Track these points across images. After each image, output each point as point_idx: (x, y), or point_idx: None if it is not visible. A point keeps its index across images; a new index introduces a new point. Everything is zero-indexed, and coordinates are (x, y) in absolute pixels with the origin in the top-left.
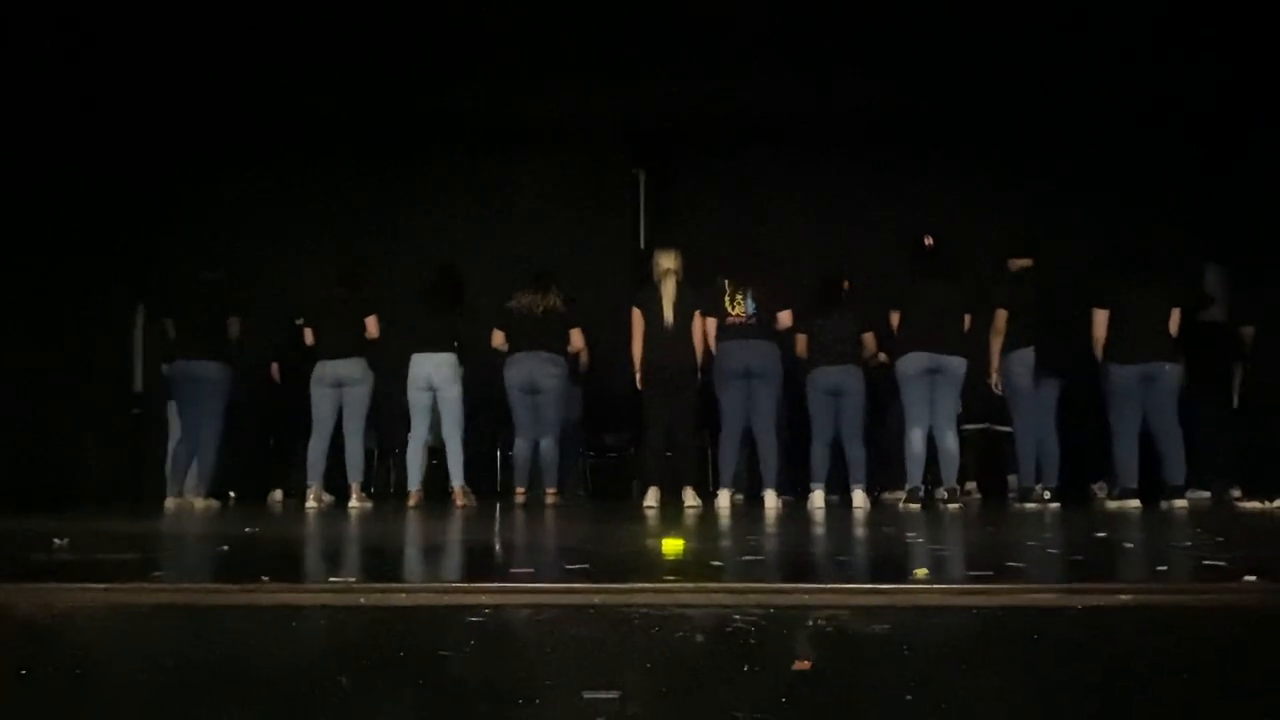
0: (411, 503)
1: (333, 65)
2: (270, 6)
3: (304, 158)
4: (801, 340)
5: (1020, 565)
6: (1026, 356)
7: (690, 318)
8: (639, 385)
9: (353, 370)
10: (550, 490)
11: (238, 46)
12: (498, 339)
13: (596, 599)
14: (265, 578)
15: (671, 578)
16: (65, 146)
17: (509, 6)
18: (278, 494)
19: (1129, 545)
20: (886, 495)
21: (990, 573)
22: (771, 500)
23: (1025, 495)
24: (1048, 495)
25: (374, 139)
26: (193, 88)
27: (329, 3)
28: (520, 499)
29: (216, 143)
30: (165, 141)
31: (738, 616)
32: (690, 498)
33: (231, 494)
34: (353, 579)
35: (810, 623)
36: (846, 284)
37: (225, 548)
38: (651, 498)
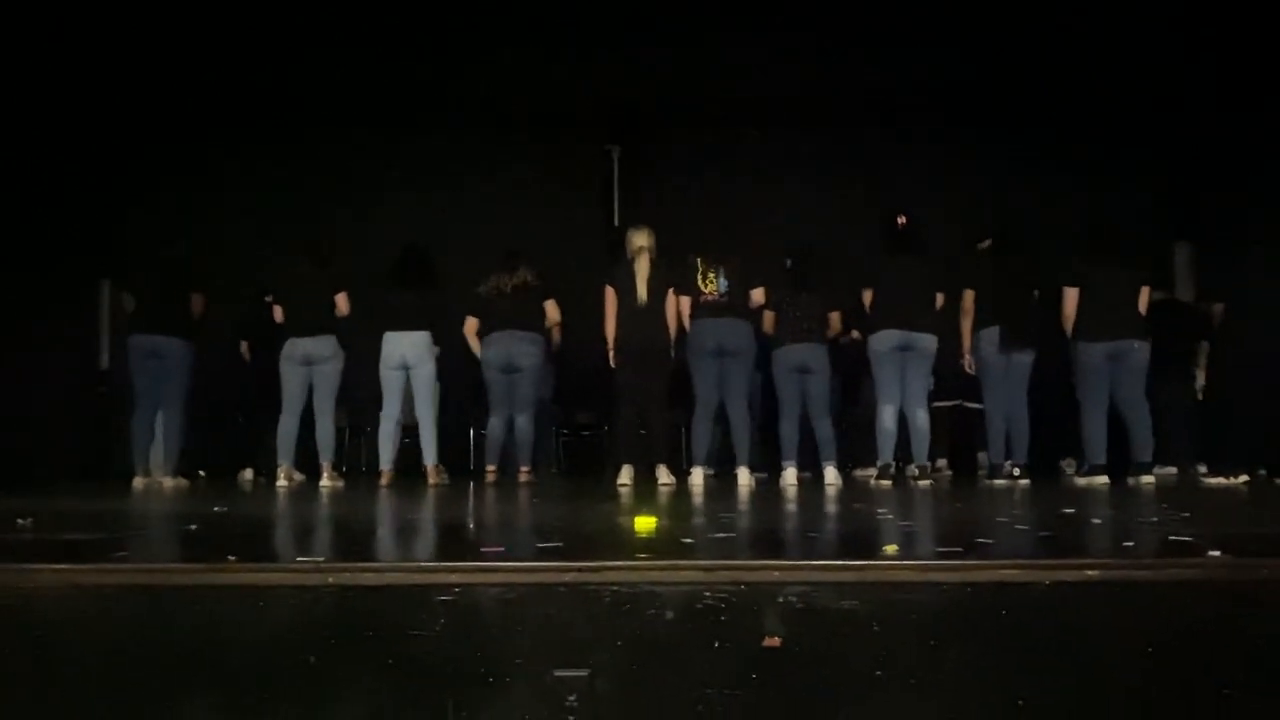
0: (383, 481)
1: (305, 42)
2: None
3: (275, 134)
4: (769, 317)
5: (989, 541)
6: (994, 335)
7: (664, 296)
8: (612, 363)
9: (323, 348)
10: (524, 469)
11: (211, 21)
12: (470, 327)
13: (567, 577)
14: (232, 557)
15: (643, 556)
16: (33, 121)
17: None
18: (248, 473)
19: (1096, 521)
20: (858, 472)
21: (959, 549)
22: (745, 478)
23: (995, 472)
24: (1017, 472)
25: (346, 116)
26: (163, 61)
27: None
28: (492, 477)
29: (187, 117)
30: (136, 115)
31: (708, 594)
32: (664, 475)
33: (201, 473)
34: (321, 559)
35: (780, 599)
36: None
37: (193, 527)
38: (625, 476)
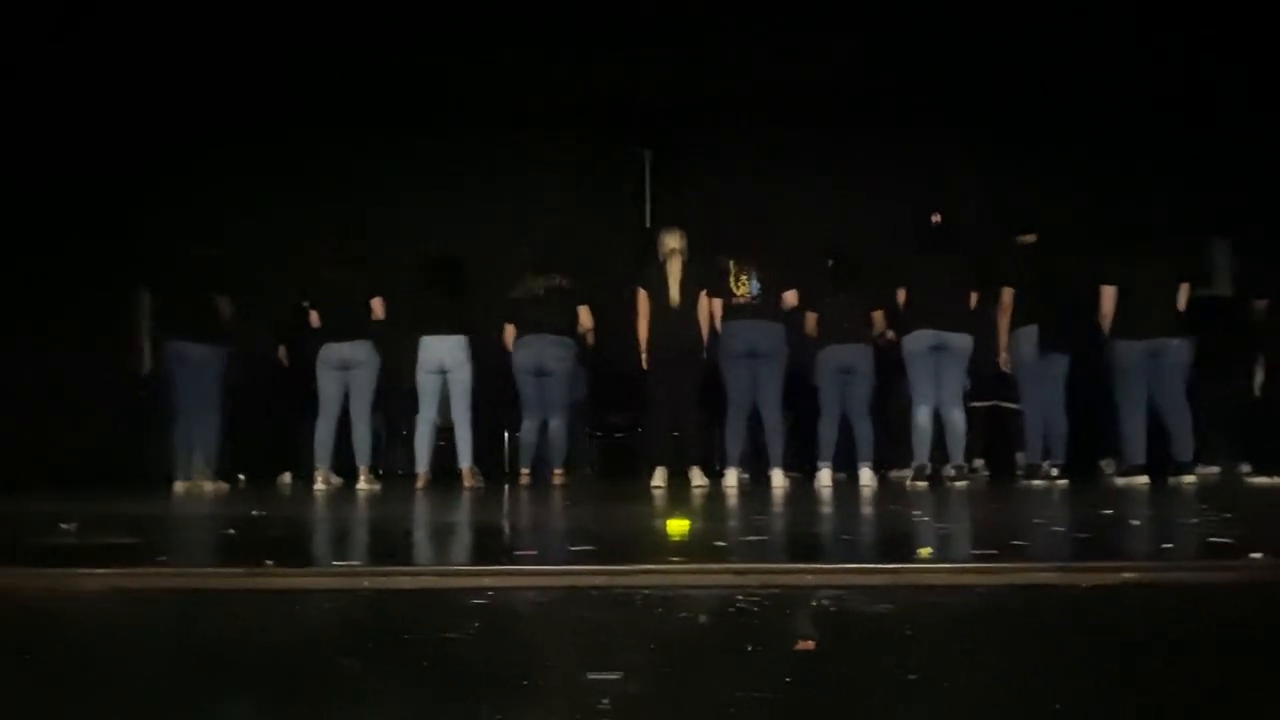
0: (419, 484)
1: (337, 42)
2: None
3: (307, 138)
4: (811, 318)
5: (1025, 544)
6: (1033, 333)
7: (696, 298)
8: (645, 366)
9: (359, 352)
10: (557, 471)
11: (243, 21)
12: (509, 334)
13: (599, 580)
14: (269, 562)
15: (675, 559)
16: (69, 127)
17: None
18: (286, 476)
19: (1135, 522)
20: (893, 473)
21: (994, 551)
22: (778, 479)
23: (1032, 472)
24: (1055, 472)
25: (378, 118)
26: (197, 65)
27: None
28: (526, 480)
29: (224, 122)
30: (171, 119)
31: (741, 597)
32: (697, 477)
33: (241, 476)
34: (357, 563)
35: (814, 603)
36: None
37: (231, 531)
38: (658, 478)
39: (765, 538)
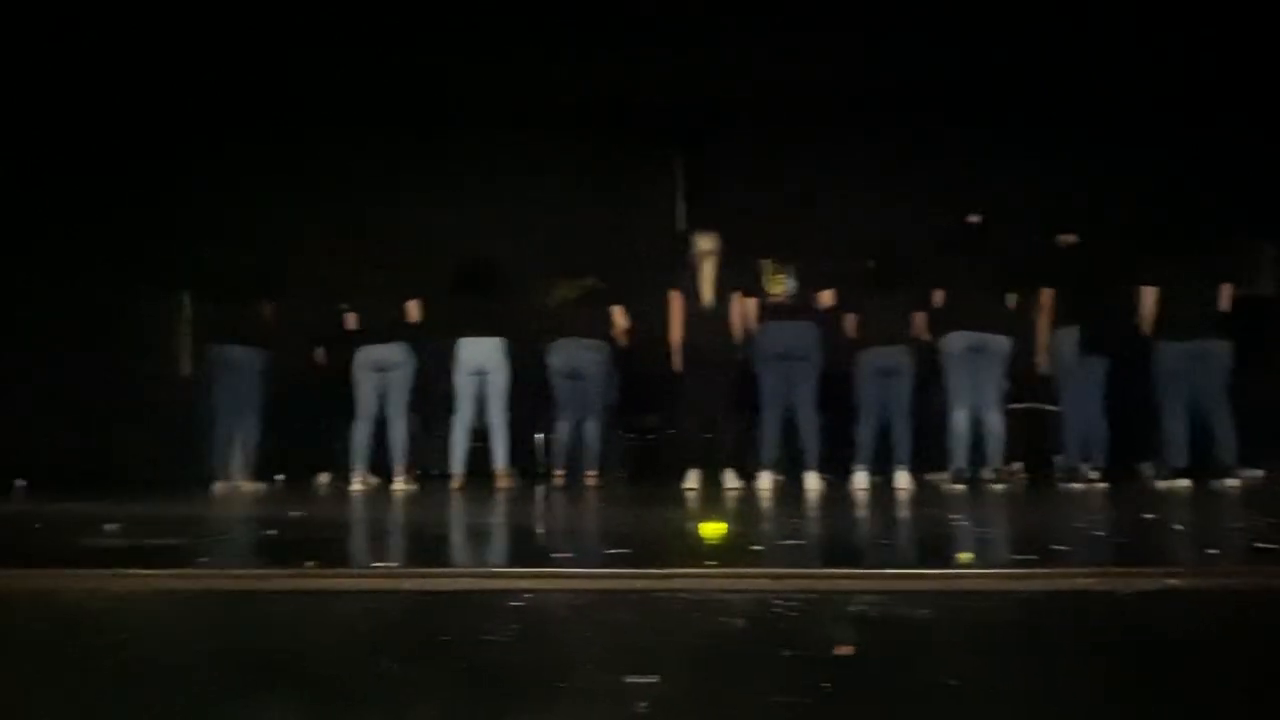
0: (455, 485)
1: (370, 44)
2: None
3: (341, 141)
4: (851, 320)
5: (1065, 549)
6: (1073, 335)
7: (729, 300)
8: (677, 367)
9: (395, 354)
10: (590, 472)
11: (274, 25)
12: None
13: (637, 584)
14: (309, 563)
15: (711, 563)
16: (106, 135)
17: None
18: (324, 477)
19: (1178, 527)
20: (930, 476)
21: (1034, 557)
22: (813, 482)
23: (1072, 475)
24: (1095, 475)
25: (411, 122)
26: (233, 68)
27: None
28: (560, 481)
29: (255, 126)
30: (206, 124)
31: (778, 601)
32: (730, 480)
33: (279, 477)
34: (395, 564)
35: (851, 608)
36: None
37: (272, 532)
38: (692, 480)
39: (802, 541)
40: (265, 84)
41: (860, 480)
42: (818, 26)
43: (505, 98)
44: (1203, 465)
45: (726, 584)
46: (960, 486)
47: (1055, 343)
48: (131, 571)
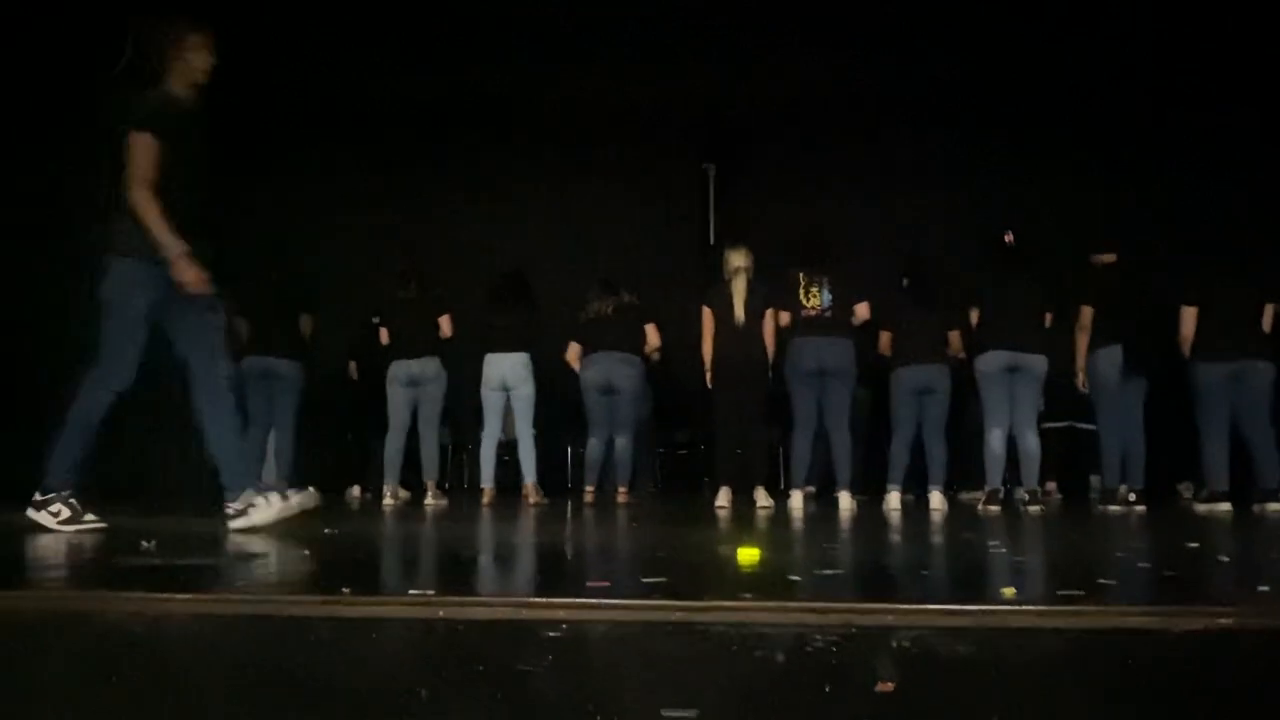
0: (485, 500)
1: (405, 60)
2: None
3: (376, 155)
4: (885, 337)
5: (1110, 583)
6: (1113, 354)
7: (761, 315)
8: (709, 383)
9: (427, 369)
10: (622, 488)
11: (309, 42)
12: (573, 353)
13: (674, 616)
14: (346, 590)
15: (748, 595)
16: None
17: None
18: (355, 490)
19: (1224, 559)
20: (964, 495)
21: (1079, 591)
22: (846, 501)
23: (1109, 496)
24: (1133, 497)
25: (445, 136)
26: (265, 85)
27: None
28: (590, 497)
29: (289, 140)
30: (236, 141)
31: (818, 636)
32: (762, 498)
33: (311, 490)
34: (431, 591)
35: (893, 643)
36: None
37: (305, 552)
38: (723, 497)
39: (840, 570)
40: (300, 99)
41: (893, 500)
42: (852, 40)
43: (538, 112)
44: (1243, 489)
45: (768, 618)
46: (995, 508)
47: (1094, 362)
48: (171, 595)
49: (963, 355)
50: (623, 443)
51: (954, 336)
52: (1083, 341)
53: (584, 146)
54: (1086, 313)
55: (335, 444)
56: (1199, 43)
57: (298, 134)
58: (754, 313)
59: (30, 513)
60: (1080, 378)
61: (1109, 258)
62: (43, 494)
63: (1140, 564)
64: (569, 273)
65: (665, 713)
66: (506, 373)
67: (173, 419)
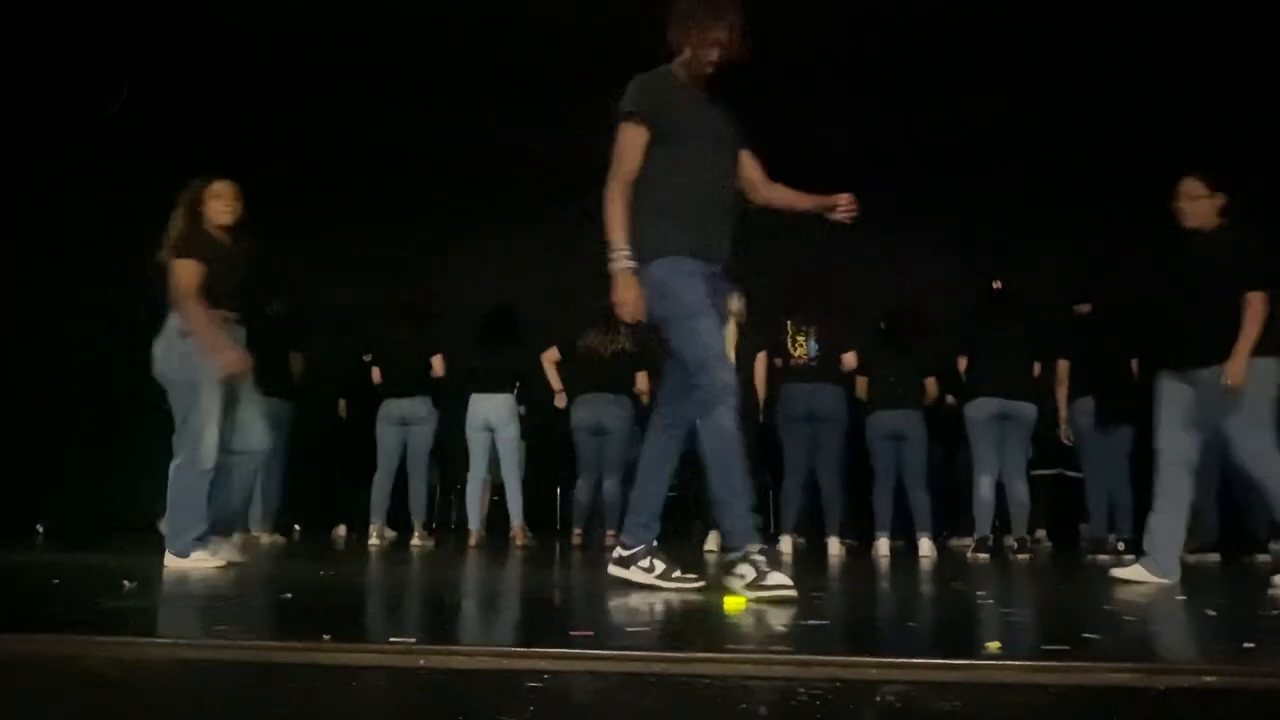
0: (472, 542)
1: (400, 99)
2: (341, 38)
3: (369, 194)
4: (862, 382)
5: (1096, 637)
6: (1087, 405)
7: (752, 361)
8: None
9: (418, 408)
10: (611, 531)
11: (305, 79)
12: (549, 357)
13: (656, 668)
14: (327, 636)
15: (732, 646)
16: (121, 183)
17: (567, 47)
18: (341, 529)
19: (1211, 613)
20: (954, 542)
21: (1065, 646)
22: (835, 548)
23: (1098, 546)
24: (1121, 546)
25: (439, 176)
26: (258, 122)
27: (398, 35)
28: (579, 540)
29: (282, 178)
30: (236, 175)
31: (802, 690)
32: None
33: (296, 528)
34: (413, 640)
35: (878, 698)
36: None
37: (288, 595)
38: (711, 542)
39: (826, 621)
40: (295, 136)
41: (881, 547)
42: (838, 89)
43: (530, 155)
44: (1232, 538)
45: (752, 670)
46: (984, 555)
47: (1074, 413)
48: (152, 640)
49: (951, 400)
50: (611, 485)
51: (929, 383)
52: (1062, 393)
53: (577, 186)
54: (1063, 366)
55: (322, 482)
56: (1185, 98)
57: (288, 175)
58: (744, 359)
59: None
60: (1064, 429)
61: (1085, 309)
62: None
63: (1126, 617)
64: (562, 313)
65: None
66: (490, 414)
67: (165, 454)
